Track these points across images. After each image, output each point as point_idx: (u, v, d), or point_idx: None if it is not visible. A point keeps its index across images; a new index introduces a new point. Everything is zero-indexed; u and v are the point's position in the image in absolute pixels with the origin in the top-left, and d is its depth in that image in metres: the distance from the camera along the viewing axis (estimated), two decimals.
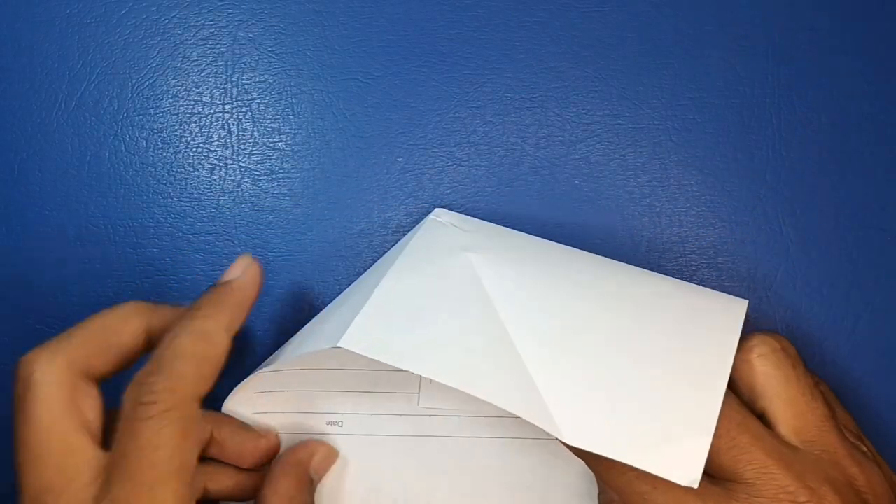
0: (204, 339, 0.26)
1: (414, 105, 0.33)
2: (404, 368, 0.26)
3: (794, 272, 0.33)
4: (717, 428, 0.25)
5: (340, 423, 0.31)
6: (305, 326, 0.31)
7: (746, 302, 0.29)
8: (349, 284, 0.33)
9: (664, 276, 0.31)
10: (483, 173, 0.33)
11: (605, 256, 0.31)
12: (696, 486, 0.24)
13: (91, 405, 0.26)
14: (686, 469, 0.24)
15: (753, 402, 0.27)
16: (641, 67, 0.33)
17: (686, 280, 0.32)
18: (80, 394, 0.26)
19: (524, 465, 0.31)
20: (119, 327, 0.27)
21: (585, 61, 0.33)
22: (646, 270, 0.31)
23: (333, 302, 0.31)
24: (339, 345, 0.26)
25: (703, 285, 0.31)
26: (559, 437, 0.25)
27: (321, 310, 0.32)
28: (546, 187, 0.33)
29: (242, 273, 0.29)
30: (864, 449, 0.28)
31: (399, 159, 0.33)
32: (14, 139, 0.33)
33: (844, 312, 0.33)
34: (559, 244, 0.32)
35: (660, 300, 0.29)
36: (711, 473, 0.26)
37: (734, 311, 0.28)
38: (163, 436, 0.24)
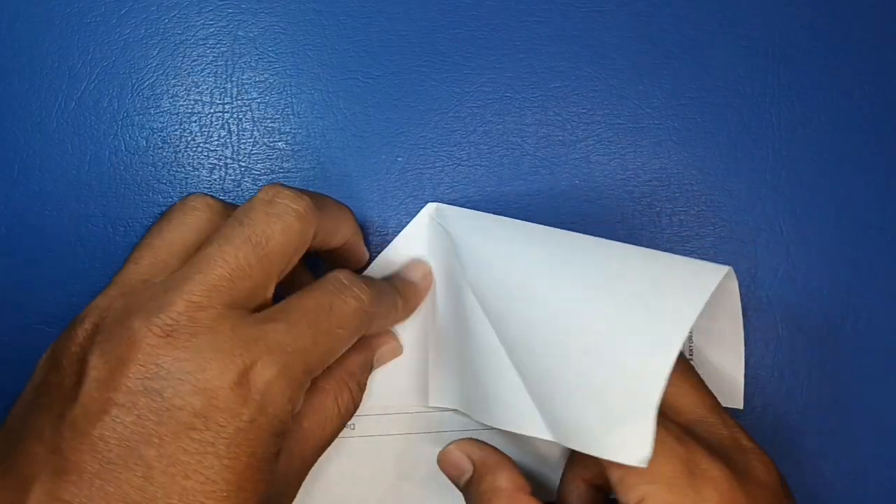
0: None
1: (414, 105, 0.33)
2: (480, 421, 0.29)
3: (794, 272, 0.33)
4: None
5: (352, 426, 0.32)
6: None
7: (726, 268, 0.26)
8: None
9: (646, 249, 0.28)
10: (483, 173, 0.33)
11: None
12: (646, 465, 0.23)
13: None
14: (634, 449, 0.23)
15: None
16: (641, 67, 0.33)
17: None
18: None
19: (530, 461, 0.32)
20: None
21: (585, 61, 0.33)
22: (629, 246, 0.28)
23: None
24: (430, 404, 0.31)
25: None
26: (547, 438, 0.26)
27: None
28: (546, 187, 0.33)
29: (423, 279, 0.31)
30: None
31: (399, 159, 0.33)
32: (14, 139, 0.33)
33: (844, 312, 0.33)
34: (552, 229, 0.30)
35: (627, 274, 0.26)
36: None
37: (705, 279, 0.25)
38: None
